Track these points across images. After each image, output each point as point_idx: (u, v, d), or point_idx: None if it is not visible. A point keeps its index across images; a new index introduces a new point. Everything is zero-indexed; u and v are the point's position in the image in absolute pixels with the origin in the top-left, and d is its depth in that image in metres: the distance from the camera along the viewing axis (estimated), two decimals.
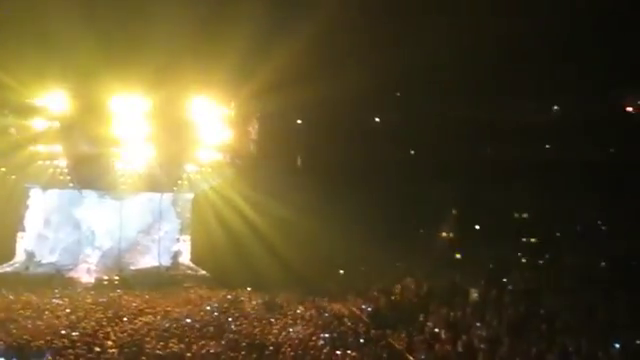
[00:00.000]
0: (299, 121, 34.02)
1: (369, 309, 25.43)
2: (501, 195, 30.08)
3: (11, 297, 27.54)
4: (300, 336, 19.50)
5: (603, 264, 24.98)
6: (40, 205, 37.55)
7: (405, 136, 32.14)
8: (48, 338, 17.88)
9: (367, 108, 32.65)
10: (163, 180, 35.86)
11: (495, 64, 26.85)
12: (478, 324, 20.57)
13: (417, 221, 33.25)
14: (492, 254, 28.44)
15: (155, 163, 33.25)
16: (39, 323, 20.73)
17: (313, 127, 33.36)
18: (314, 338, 19.31)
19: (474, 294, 23.74)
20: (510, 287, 24.05)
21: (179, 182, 37.23)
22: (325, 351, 17.90)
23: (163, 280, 34.47)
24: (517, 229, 31.15)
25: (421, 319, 22.25)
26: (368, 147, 31.75)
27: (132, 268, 36.75)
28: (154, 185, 36.08)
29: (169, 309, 24.28)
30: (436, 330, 20.87)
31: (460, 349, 19.09)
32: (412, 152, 33.10)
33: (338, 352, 17.96)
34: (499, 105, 30.06)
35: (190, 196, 38.34)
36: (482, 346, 18.72)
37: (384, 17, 27.58)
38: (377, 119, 33.57)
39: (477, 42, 25.40)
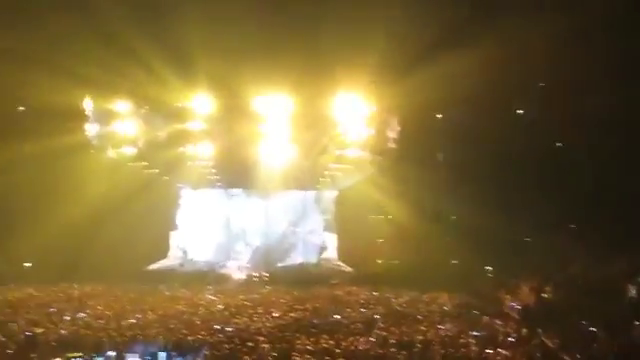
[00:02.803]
0: (439, 115, 33.27)
1: (519, 307, 24.67)
2: None
3: (167, 293, 29.00)
4: (449, 334, 19.21)
5: None
6: (191, 204, 39.07)
7: (550, 130, 30.52)
8: (204, 333, 18.66)
9: (509, 102, 31.42)
10: (306, 178, 36.57)
11: None
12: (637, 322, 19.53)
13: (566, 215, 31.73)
14: None
15: (298, 161, 33.95)
16: (194, 318, 21.60)
17: (454, 123, 32.49)
18: (463, 336, 19.01)
19: (632, 290, 22.55)
20: None
21: (322, 179, 37.73)
22: (475, 349, 17.54)
23: (310, 277, 34.96)
24: None
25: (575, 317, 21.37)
26: (512, 142, 30.43)
27: (280, 265, 37.51)
28: (298, 183, 36.83)
29: (317, 305, 24.64)
30: (591, 329, 19.97)
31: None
32: (558, 144, 31.34)
33: (489, 351, 17.54)
34: None
35: (333, 193, 38.60)
36: None
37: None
38: (520, 111, 32.14)
39: None
